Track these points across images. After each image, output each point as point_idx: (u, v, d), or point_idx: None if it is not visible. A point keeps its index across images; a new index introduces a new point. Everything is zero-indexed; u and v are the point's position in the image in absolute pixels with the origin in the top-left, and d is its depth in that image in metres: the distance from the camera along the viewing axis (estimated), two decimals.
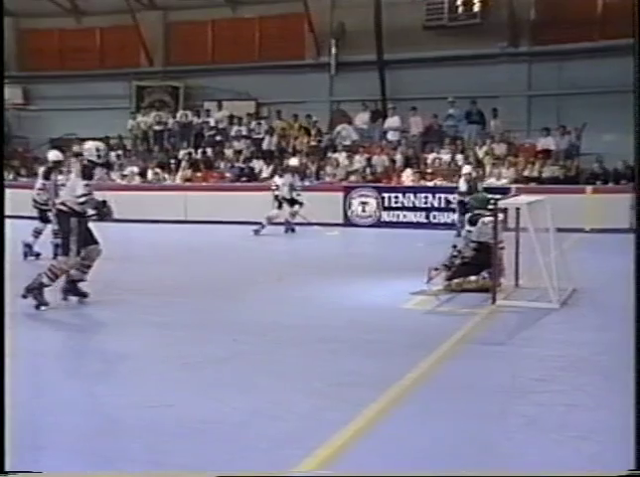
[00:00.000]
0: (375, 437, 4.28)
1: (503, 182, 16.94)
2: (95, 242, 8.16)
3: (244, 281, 9.81)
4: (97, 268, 8.25)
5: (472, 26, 19.93)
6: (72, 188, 8.07)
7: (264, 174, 19.43)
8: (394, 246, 14.08)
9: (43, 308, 7.73)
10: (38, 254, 11.51)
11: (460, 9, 20.03)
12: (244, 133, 21.10)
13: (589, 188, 16.10)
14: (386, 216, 17.40)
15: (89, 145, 8.37)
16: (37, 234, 11.56)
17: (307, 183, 17.70)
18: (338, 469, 3.80)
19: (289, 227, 15.96)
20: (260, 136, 20.90)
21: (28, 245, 11.51)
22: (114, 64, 23.86)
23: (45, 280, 7.80)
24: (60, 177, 11.57)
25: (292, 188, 15.90)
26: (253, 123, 21.35)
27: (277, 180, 16.39)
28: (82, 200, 7.92)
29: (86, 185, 7.98)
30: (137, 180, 20.41)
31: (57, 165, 11.70)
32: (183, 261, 11.74)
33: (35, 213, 11.78)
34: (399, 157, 19.05)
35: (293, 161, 17.27)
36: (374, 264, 11.21)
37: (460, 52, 19.89)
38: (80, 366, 6.13)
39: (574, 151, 18.00)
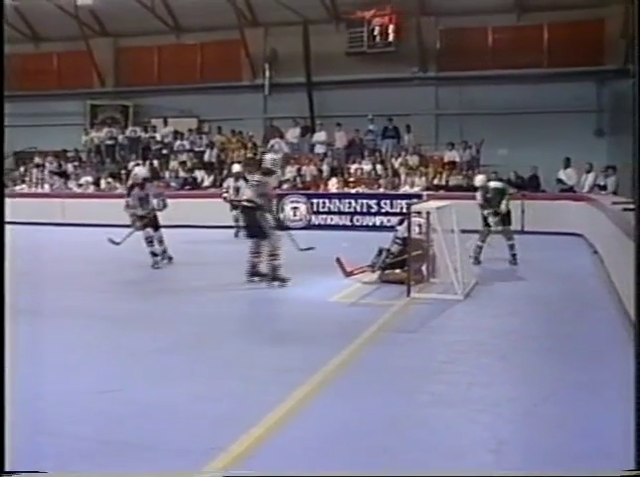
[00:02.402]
0: (304, 416, 4.31)
1: (416, 189, 17.20)
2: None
3: (186, 279, 9.68)
4: None
5: (388, 53, 20.20)
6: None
7: (206, 183, 19.40)
8: (321, 246, 14.05)
9: (289, 283, 8.75)
10: (170, 258, 11.05)
11: (377, 38, 20.30)
12: (187, 147, 20.92)
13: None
14: (315, 219, 17.42)
15: (268, 156, 9.56)
16: (153, 241, 10.77)
17: None
18: (272, 445, 3.82)
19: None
20: (202, 149, 20.72)
21: (155, 254, 10.71)
22: (70, 84, 23.46)
23: (276, 263, 8.84)
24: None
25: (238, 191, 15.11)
26: (195, 138, 21.19)
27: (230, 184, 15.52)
28: (255, 183, 9.00)
29: (259, 178, 9.05)
30: (92, 189, 20.07)
31: (145, 181, 11.17)
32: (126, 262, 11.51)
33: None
34: (325, 167, 19.13)
35: (236, 167, 16.29)
36: (303, 262, 11.16)
37: (378, 75, 20.11)
38: None
39: (475, 163, 18.35)
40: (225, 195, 15.41)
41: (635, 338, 2.99)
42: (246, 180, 16.23)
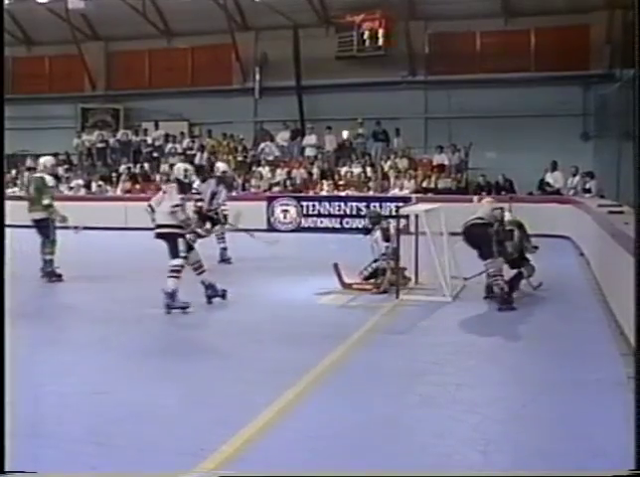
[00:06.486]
0: (295, 417, 4.31)
1: (405, 192, 17.22)
2: None
3: None
4: None
5: (377, 57, 20.20)
6: None
7: (196, 185, 19.29)
8: (311, 249, 14.08)
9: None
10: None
11: (367, 42, 20.32)
12: (178, 150, 20.87)
13: (476, 198, 16.35)
14: (304, 222, 17.39)
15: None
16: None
17: (234, 193, 17.73)
18: (261, 446, 3.81)
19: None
20: (193, 153, 20.66)
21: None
22: (61, 88, 23.38)
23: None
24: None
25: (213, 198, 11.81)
26: (186, 141, 21.15)
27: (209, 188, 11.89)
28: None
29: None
30: (82, 191, 20.01)
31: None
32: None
33: None
34: (315, 170, 19.12)
35: (222, 166, 12.65)
36: (293, 265, 11.17)
37: (367, 79, 20.09)
38: None
39: (464, 166, 18.40)
40: (199, 204, 11.19)
41: (635, 339, 2.98)
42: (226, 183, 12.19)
